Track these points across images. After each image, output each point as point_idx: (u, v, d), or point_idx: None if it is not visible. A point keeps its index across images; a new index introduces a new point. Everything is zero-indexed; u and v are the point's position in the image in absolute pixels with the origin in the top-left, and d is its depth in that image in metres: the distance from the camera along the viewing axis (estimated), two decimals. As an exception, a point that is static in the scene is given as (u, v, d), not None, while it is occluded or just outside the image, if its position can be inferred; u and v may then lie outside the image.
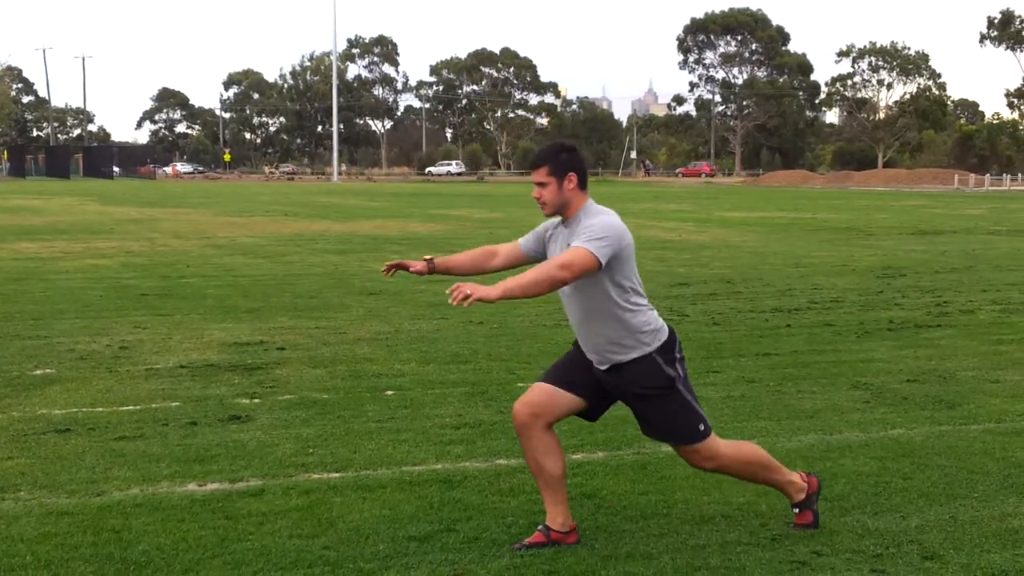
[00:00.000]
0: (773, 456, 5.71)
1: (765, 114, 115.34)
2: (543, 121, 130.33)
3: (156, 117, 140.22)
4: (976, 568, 4.22)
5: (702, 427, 4.41)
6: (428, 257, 4.58)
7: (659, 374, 4.33)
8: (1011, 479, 5.40)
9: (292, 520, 4.71)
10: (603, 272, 4.20)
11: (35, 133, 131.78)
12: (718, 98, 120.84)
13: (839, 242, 21.92)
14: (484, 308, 11.23)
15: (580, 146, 4.42)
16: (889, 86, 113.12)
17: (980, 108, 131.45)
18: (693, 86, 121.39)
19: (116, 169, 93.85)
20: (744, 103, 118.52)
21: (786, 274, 15.33)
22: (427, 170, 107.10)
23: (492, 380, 7.67)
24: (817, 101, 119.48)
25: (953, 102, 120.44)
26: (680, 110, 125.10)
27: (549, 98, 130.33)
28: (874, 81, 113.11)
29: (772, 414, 6.73)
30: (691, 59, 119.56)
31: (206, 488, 5.18)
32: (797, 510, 4.65)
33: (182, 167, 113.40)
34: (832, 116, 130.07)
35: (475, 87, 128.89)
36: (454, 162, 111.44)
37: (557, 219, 4.47)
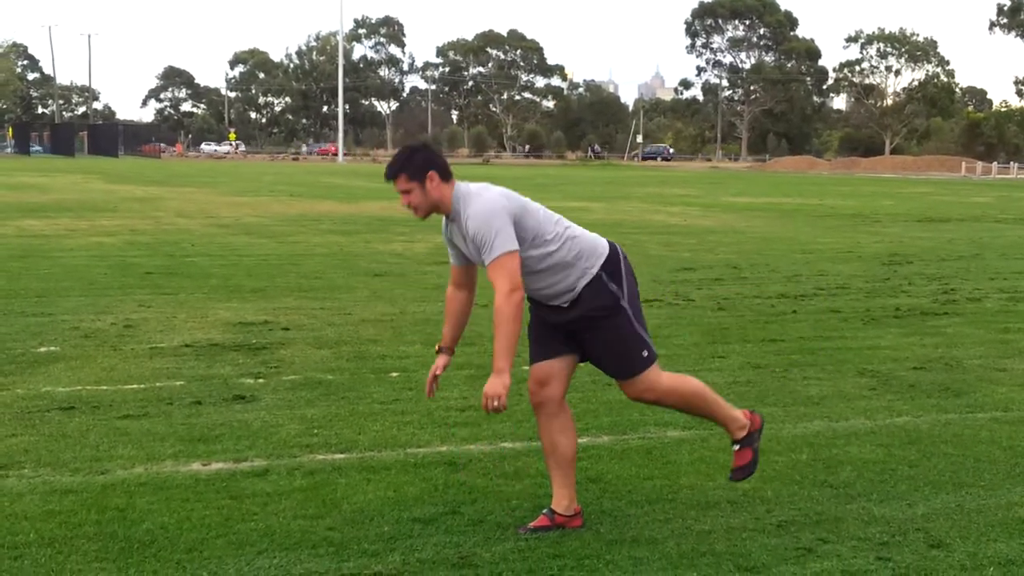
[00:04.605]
0: (778, 442, 5.74)
1: (772, 99, 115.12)
2: (549, 104, 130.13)
3: (161, 95, 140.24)
4: (982, 557, 4.20)
5: (645, 353, 4.31)
6: (438, 348, 4.61)
7: (604, 292, 4.25)
8: (1018, 468, 5.38)
9: (296, 501, 4.70)
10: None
11: (40, 110, 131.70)
12: (725, 83, 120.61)
13: (845, 228, 21.86)
14: (487, 293, 11.20)
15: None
16: (897, 72, 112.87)
17: (988, 96, 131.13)
18: (700, 70, 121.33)
19: (121, 147, 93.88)
20: (751, 88, 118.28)
21: (792, 260, 15.29)
22: (201, 147, 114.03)
23: (497, 363, 7.63)
24: (825, 87, 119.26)
25: (961, 89, 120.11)
26: (687, 94, 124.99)
27: (555, 81, 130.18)
28: (882, 67, 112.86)
29: (778, 400, 6.71)
30: (699, 43, 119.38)
31: (210, 468, 5.17)
32: (737, 447, 4.51)
33: (207, 147, 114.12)
34: (839, 102, 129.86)
35: (481, 69, 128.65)
36: (226, 142, 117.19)
37: (443, 218, 4.35)
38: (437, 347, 4.62)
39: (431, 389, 4.58)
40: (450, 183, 4.23)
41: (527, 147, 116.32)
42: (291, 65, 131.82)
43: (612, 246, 4.37)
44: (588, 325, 4.30)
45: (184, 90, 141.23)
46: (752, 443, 4.51)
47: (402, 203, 4.28)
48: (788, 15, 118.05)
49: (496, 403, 4.08)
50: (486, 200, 4.16)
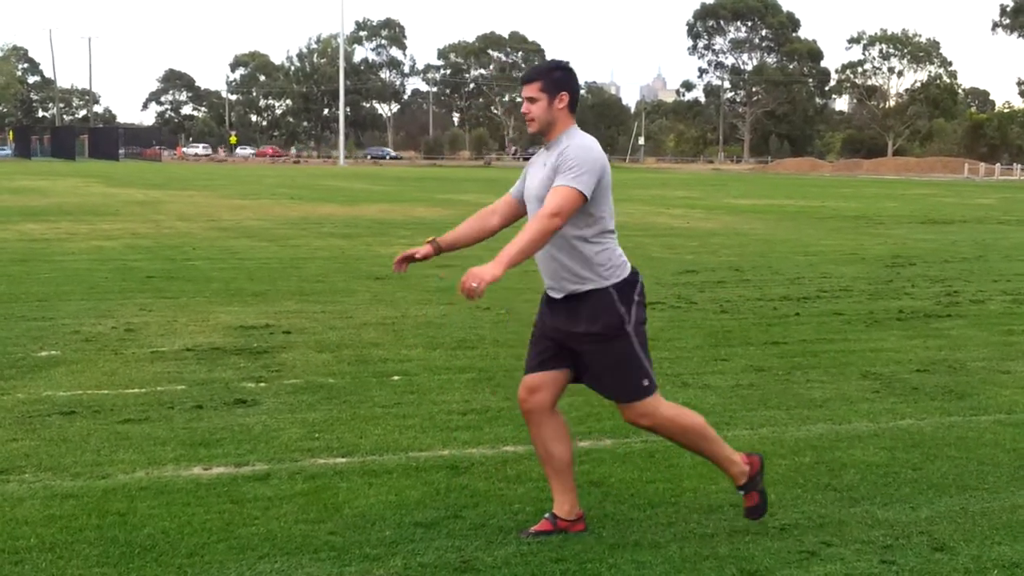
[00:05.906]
0: (781, 445, 5.72)
1: (774, 101, 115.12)
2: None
3: (162, 99, 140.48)
4: (986, 560, 4.19)
5: (646, 382, 4.24)
6: (431, 239, 4.45)
7: (611, 310, 4.18)
8: (1022, 470, 5.37)
9: (298, 505, 4.68)
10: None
11: (41, 114, 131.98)
12: (727, 84, 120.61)
13: (848, 230, 21.85)
14: (492, 293, 11.18)
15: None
16: (900, 74, 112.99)
17: (991, 97, 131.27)
18: (702, 72, 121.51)
19: (121, 151, 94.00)
20: (753, 89, 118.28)
21: (795, 262, 15.28)
22: (181, 151, 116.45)
23: (499, 366, 7.63)
24: (827, 88, 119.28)
25: (964, 90, 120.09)
26: (689, 96, 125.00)
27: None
28: (884, 68, 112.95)
29: (781, 403, 6.69)
30: (700, 45, 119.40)
31: (211, 472, 5.16)
32: (743, 492, 4.49)
33: (189, 150, 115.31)
34: (842, 103, 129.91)
35: (483, 71, 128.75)
36: (200, 145, 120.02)
37: (539, 150, 4.38)
38: (430, 239, 4.43)
39: (399, 266, 4.42)
40: (571, 116, 4.28)
41: (529, 149, 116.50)
42: (292, 68, 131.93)
43: (634, 271, 4.33)
44: (590, 344, 4.23)
45: (185, 93, 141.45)
46: (756, 487, 4.49)
47: (524, 109, 4.30)
48: (790, 16, 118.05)
49: (475, 284, 3.80)
50: (595, 146, 4.20)
